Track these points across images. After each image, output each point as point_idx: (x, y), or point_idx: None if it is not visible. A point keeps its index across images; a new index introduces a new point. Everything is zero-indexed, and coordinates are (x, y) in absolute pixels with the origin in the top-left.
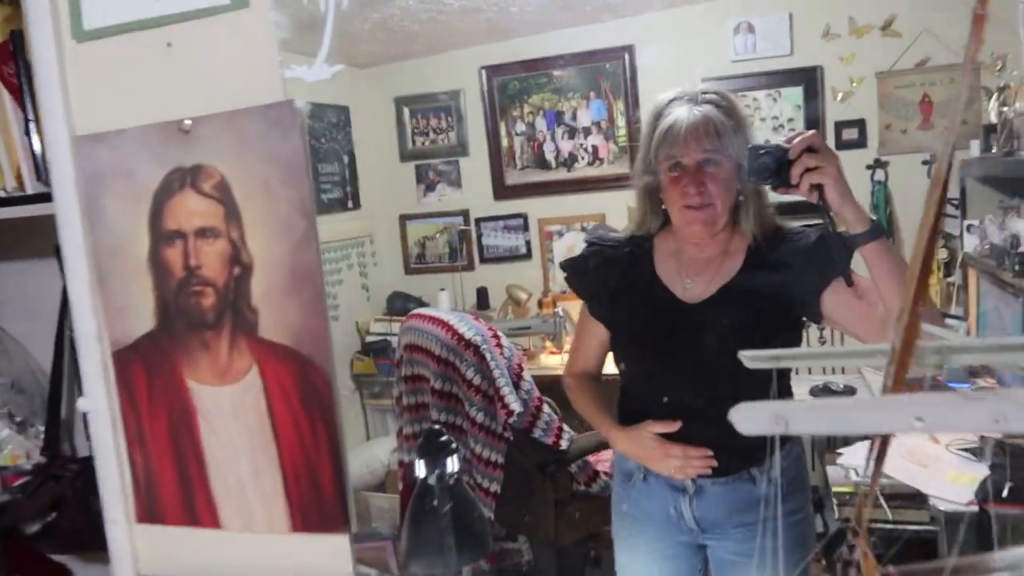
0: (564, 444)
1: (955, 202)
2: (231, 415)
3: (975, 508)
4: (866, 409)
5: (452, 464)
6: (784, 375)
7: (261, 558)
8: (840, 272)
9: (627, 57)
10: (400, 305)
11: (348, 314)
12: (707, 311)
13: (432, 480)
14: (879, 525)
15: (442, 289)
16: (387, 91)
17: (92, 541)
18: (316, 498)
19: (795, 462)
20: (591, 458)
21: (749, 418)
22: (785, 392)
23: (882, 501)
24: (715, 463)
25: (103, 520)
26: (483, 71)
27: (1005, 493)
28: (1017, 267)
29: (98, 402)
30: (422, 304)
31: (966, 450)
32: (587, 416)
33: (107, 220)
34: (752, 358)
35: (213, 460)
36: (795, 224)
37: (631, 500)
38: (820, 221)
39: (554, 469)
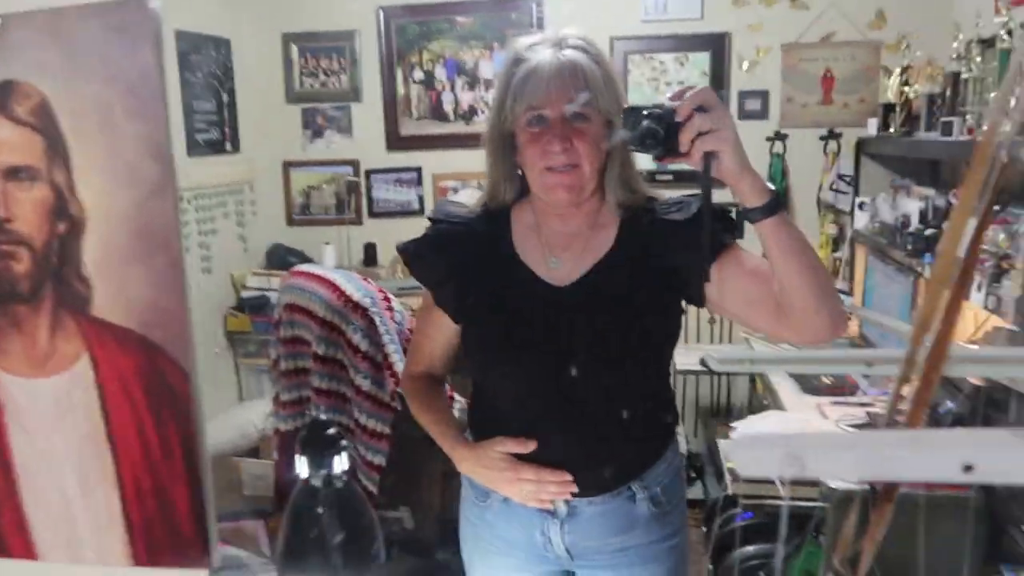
0: (456, 413)
1: (847, 178)
2: (52, 415)
3: (865, 486)
4: (904, 450)
5: (340, 463)
6: (665, 371)
7: None
8: (721, 245)
9: (534, 7)
10: (281, 259)
11: (222, 266)
12: (579, 294)
13: (316, 482)
14: (770, 502)
15: (327, 243)
16: (274, 26)
17: None
18: (165, 522)
19: (676, 475)
20: None
21: (753, 458)
22: (664, 391)
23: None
24: (575, 488)
25: None
26: (380, 11)
27: None
28: (909, 246)
29: None
30: (304, 259)
31: (855, 426)
32: (427, 427)
33: None
34: (722, 361)
35: (25, 472)
36: (668, 193)
37: (486, 524)
38: (697, 192)
39: None
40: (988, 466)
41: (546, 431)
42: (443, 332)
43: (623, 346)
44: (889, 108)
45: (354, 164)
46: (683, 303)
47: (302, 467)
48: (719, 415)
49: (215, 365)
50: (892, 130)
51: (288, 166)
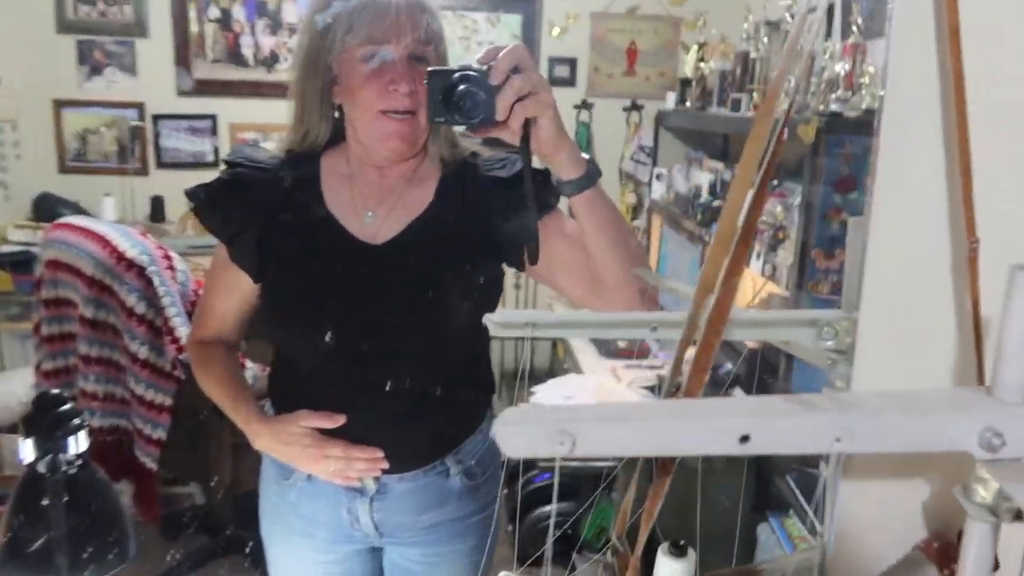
0: (248, 380)
1: (647, 150)
2: None
3: None
4: (679, 422)
5: (76, 444)
6: (483, 338)
7: None
8: (544, 210)
9: None
10: (51, 210)
11: None
12: (393, 253)
13: (43, 468)
14: (566, 463)
15: (107, 194)
16: None
17: None
18: None
19: (491, 447)
20: None
21: (520, 434)
22: (482, 359)
23: None
24: (385, 464)
25: None
26: None
27: None
28: (699, 216)
29: None
30: (79, 211)
31: (646, 388)
32: (217, 400)
33: None
34: (502, 324)
35: None
36: (490, 151)
37: (288, 504)
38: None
39: None
40: (764, 436)
41: (353, 402)
42: (238, 292)
43: (438, 310)
44: (686, 83)
45: (139, 107)
46: (503, 265)
47: (26, 451)
48: (522, 379)
49: None
50: (688, 104)
51: (60, 105)
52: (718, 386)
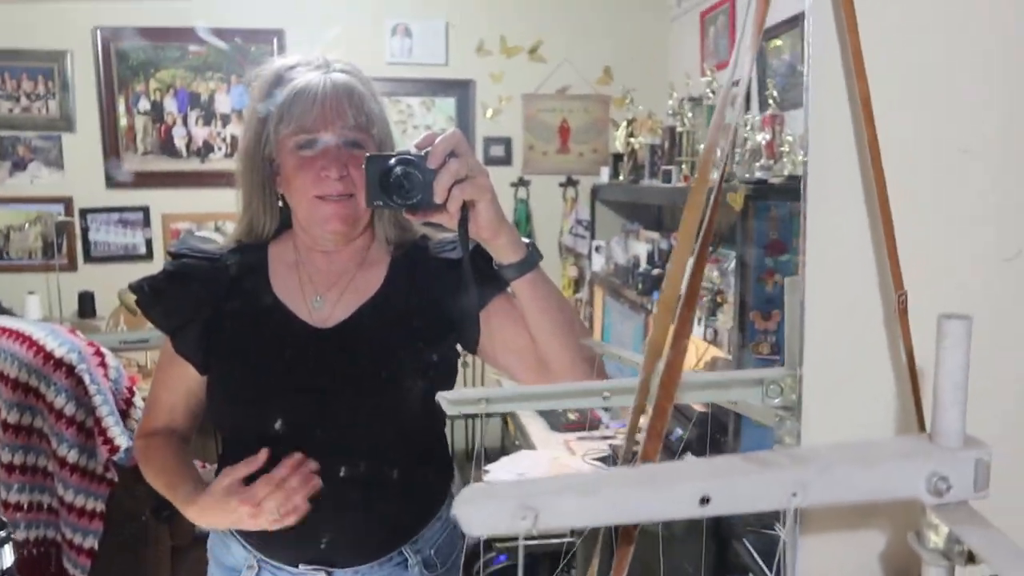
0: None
1: (585, 223)
2: None
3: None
4: (639, 489)
5: (5, 558)
6: (438, 421)
7: None
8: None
9: (276, 42)
10: None
11: None
12: (344, 336)
13: None
14: (526, 542)
15: (31, 292)
16: None
17: None
18: None
19: (451, 533)
20: None
21: (483, 510)
22: (438, 443)
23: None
24: (317, 479)
25: None
26: (98, 32)
27: None
28: (639, 285)
29: None
30: (2, 311)
31: (599, 459)
32: (161, 488)
33: None
34: (455, 402)
35: None
36: (441, 234)
37: None
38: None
39: (172, 511)
40: (723, 497)
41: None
42: (185, 383)
43: (392, 392)
44: (618, 157)
45: (66, 202)
46: (458, 347)
47: None
48: (472, 460)
49: None
50: (621, 178)
51: None
52: (671, 453)
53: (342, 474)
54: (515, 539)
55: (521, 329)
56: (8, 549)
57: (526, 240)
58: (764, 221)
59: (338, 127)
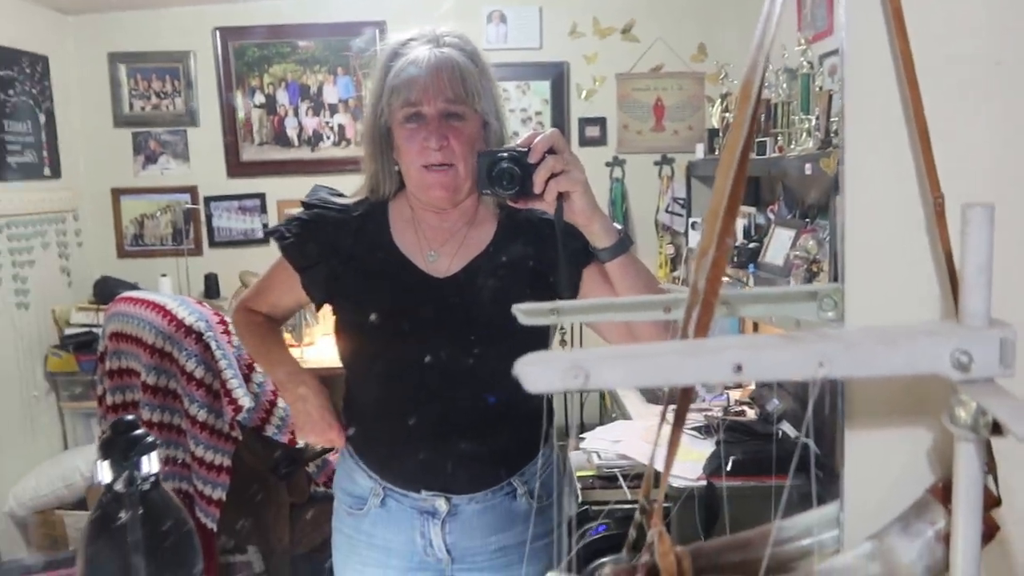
0: (301, 442)
1: (681, 201)
2: None
3: (703, 483)
4: (679, 355)
5: (148, 464)
6: None
7: None
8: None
9: (378, 33)
10: (111, 292)
11: (42, 301)
12: (456, 287)
13: (120, 486)
14: (619, 505)
15: (163, 275)
16: (99, 44)
17: None
18: None
19: (555, 469)
20: (331, 456)
21: (538, 372)
22: None
23: (622, 482)
24: (341, 442)
25: None
26: (218, 32)
27: (729, 467)
28: (735, 259)
29: None
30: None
31: (694, 429)
32: (255, 352)
33: None
34: (527, 311)
35: None
36: None
37: (363, 534)
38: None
39: (290, 470)
40: (755, 365)
41: (426, 427)
42: (293, 294)
43: (498, 339)
44: (714, 133)
45: (192, 191)
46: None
47: (103, 472)
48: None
49: (34, 410)
50: (716, 153)
51: (118, 193)
52: (767, 421)
53: (454, 409)
54: (607, 502)
55: (614, 292)
56: (155, 456)
57: (618, 227)
58: None
59: (439, 100)
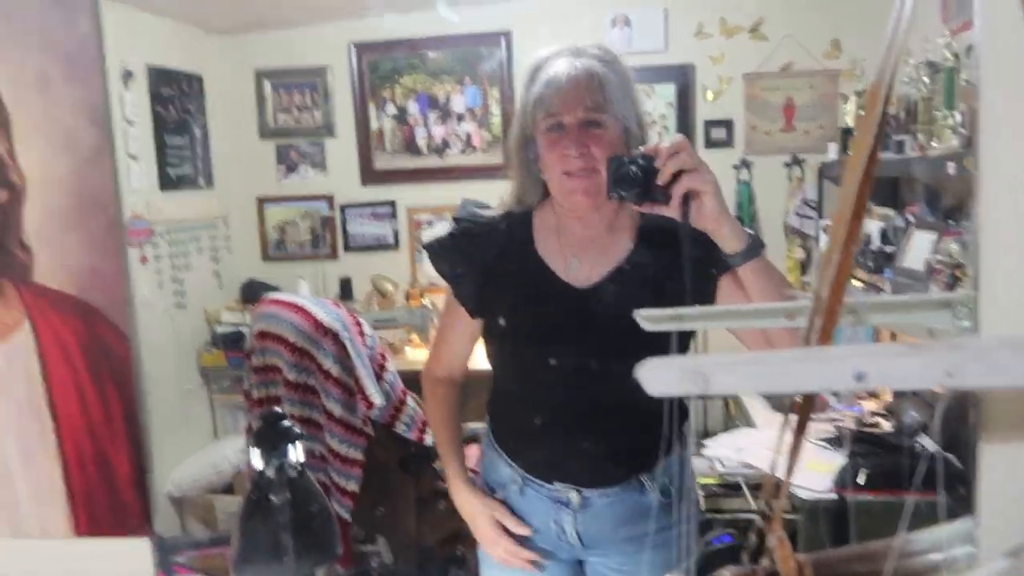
0: (429, 439)
1: (812, 203)
2: None
3: (834, 496)
4: (800, 362)
5: (294, 453)
6: None
7: (34, 570)
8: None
9: (504, 43)
10: (255, 294)
11: (197, 302)
12: (596, 296)
13: (270, 472)
14: (743, 515)
15: (301, 278)
16: (247, 62)
17: None
18: (108, 493)
19: (683, 468)
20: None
21: (658, 376)
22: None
23: (746, 490)
24: (539, 572)
25: None
26: (353, 47)
27: (861, 480)
28: (871, 263)
29: None
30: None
31: (824, 440)
32: (437, 438)
33: None
34: (649, 318)
35: None
36: None
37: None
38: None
39: (417, 465)
40: (877, 373)
41: (561, 425)
42: (466, 329)
43: (638, 347)
44: (848, 132)
45: (329, 199)
46: None
47: (256, 459)
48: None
49: (189, 402)
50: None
51: (263, 202)
52: (904, 434)
53: (591, 410)
54: (733, 511)
55: (748, 299)
56: (300, 446)
57: (749, 232)
58: None
59: (578, 110)
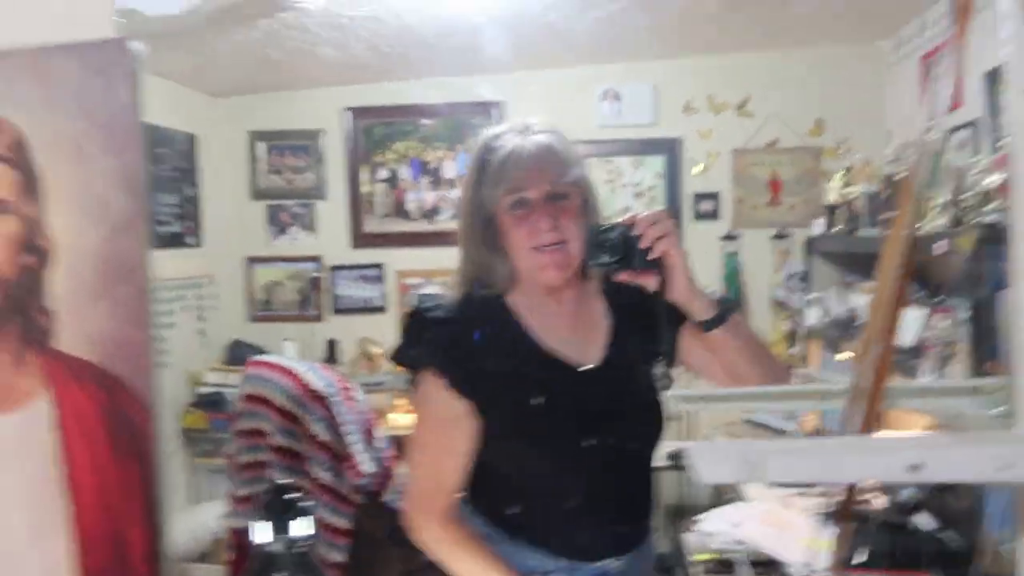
0: None
1: (798, 275)
2: (6, 454)
3: (830, 575)
4: (854, 453)
5: (302, 527)
6: None
7: None
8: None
9: (496, 113)
10: (241, 355)
11: (180, 361)
12: (607, 375)
13: (278, 546)
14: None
15: (286, 339)
16: (241, 123)
17: None
18: (121, 571)
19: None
20: None
21: (712, 464)
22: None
23: (742, 571)
24: None
25: None
26: (348, 112)
27: (859, 559)
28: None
29: None
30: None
31: (818, 514)
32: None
33: None
34: (685, 398)
35: None
36: None
37: None
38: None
39: (405, 537)
40: (936, 466)
41: (602, 501)
42: (464, 435)
43: (647, 418)
44: (832, 208)
45: (318, 260)
46: None
47: (262, 532)
48: (682, 515)
49: (167, 465)
50: (836, 228)
51: (252, 261)
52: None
53: (625, 479)
54: None
55: (707, 352)
56: (311, 520)
57: (717, 298)
58: (997, 265)
59: (543, 183)
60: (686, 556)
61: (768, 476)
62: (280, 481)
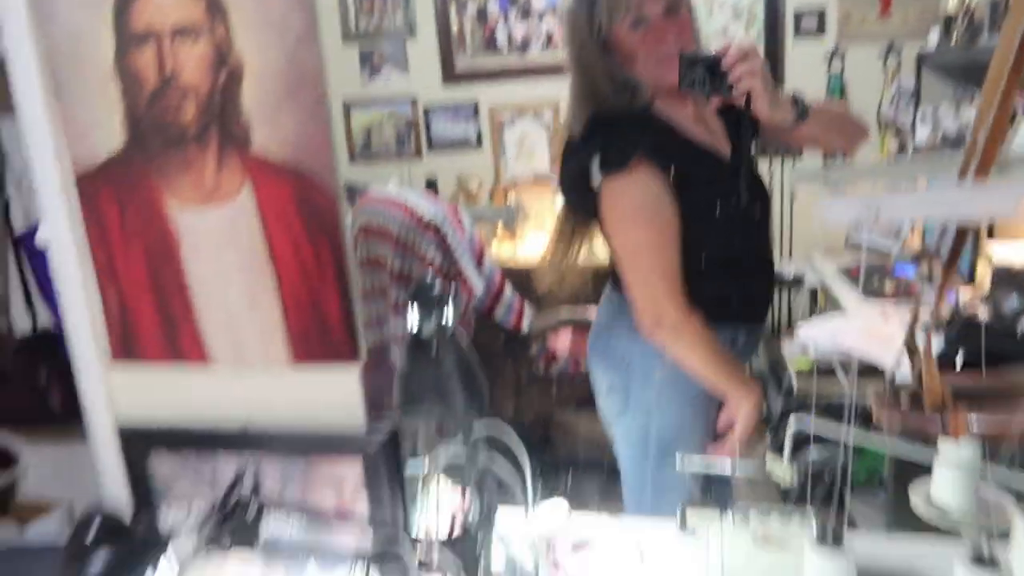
0: (525, 327)
1: (907, 93)
2: (221, 239)
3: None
4: (965, 192)
5: (449, 313)
6: None
7: (258, 393)
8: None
9: None
10: (351, 194)
11: None
12: (735, 164)
13: (429, 329)
14: (839, 401)
15: (391, 178)
16: None
17: (38, 417)
18: (320, 327)
19: None
20: (550, 343)
21: (840, 208)
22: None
23: (841, 376)
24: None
25: (49, 395)
26: None
27: (960, 363)
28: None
29: (61, 233)
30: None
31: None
32: (713, 371)
33: (61, 18)
34: (800, 177)
35: (200, 290)
36: None
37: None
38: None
39: (516, 352)
40: None
41: (764, 265)
42: (677, 224)
43: (767, 199)
44: (949, 20)
45: (412, 101)
46: None
47: (413, 316)
48: (778, 333)
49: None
50: (954, 41)
51: (348, 107)
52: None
53: (766, 251)
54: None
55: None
56: (452, 307)
57: (791, 98)
58: None
59: (659, 1)
60: (785, 359)
61: (886, 214)
62: (425, 279)
